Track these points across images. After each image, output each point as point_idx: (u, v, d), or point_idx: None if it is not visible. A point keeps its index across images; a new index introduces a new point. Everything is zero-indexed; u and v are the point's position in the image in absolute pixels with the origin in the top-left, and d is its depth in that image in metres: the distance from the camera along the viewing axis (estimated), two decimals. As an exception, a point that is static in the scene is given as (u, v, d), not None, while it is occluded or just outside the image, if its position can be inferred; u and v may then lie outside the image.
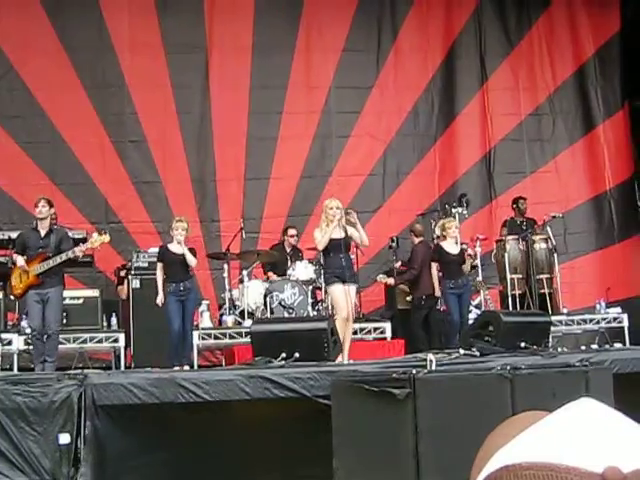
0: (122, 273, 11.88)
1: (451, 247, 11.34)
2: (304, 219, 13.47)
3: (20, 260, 9.97)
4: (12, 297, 10.71)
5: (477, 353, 8.20)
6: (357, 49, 14.87)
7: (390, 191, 14.76)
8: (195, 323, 11.22)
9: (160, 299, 10.46)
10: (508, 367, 6.33)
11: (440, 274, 11.48)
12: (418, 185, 14.79)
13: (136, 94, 14.06)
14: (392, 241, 13.05)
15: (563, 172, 15.33)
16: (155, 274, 10.79)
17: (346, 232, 9.96)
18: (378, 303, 13.69)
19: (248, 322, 11.22)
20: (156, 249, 11.25)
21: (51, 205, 10.21)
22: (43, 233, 10.07)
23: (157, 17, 14.23)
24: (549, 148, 15.41)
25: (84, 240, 10.91)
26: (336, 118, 14.75)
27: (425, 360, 7.24)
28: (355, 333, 11.64)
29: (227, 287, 11.90)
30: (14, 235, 10.90)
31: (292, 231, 12.95)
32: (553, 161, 15.36)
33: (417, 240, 12.71)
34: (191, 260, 10.54)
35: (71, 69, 13.82)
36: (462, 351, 8.27)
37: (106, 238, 10.24)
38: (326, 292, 11.10)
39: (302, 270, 11.92)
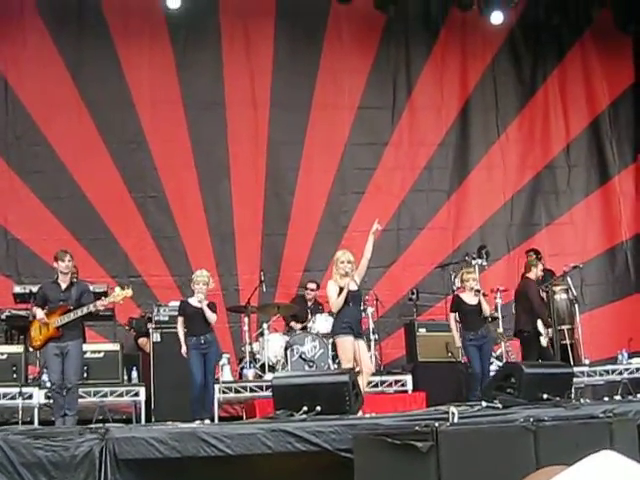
0: (148, 326, 11.86)
1: (470, 298, 11.30)
2: (320, 274, 13.51)
3: (40, 313, 10.04)
4: (31, 349, 10.75)
5: (499, 405, 8.14)
6: (372, 106, 15.05)
7: (404, 246, 14.88)
8: (216, 377, 11.22)
9: (184, 350, 10.49)
10: (531, 419, 6.29)
11: (460, 325, 11.44)
12: (433, 240, 14.90)
13: (156, 150, 14.25)
14: (412, 293, 13.17)
15: (579, 224, 15.42)
16: (176, 328, 10.83)
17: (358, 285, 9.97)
18: (395, 354, 13.71)
19: (269, 375, 11.23)
20: (176, 303, 11.34)
21: (72, 258, 10.31)
22: (64, 286, 10.14)
23: (176, 74, 14.45)
24: (565, 200, 15.50)
25: (105, 294, 11.01)
26: (351, 174, 14.91)
27: (447, 413, 7.20)
28: (376, 386, 11.82)
29: (248, 340, 11.98)
30: (35, 289, 10.98)
31: (312, 285, 13.15)
32: (569, 213, 15.45)
33: None
34: (210, 317, 10.59)
35: (92, 125, 14.01)
36: (484, 403, 8.22)
37: (129, 292, 10.29)
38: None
39: (322, 323, 12.02)
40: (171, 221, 14.16)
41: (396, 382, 12.12)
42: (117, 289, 10.38)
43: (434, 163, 15.21)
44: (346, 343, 9.76)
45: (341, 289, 9.79)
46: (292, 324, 12.42)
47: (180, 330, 10.67)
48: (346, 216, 14.78)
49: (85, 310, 9.93)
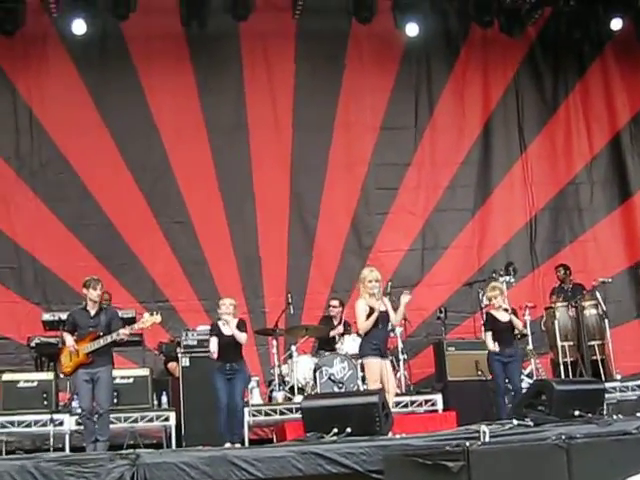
0: (177, 350, 11.87)
1: (502, 315, 11.20)
2: (346, 294, 13.48)
3: (69, 340, 10.09)
4: (62, 375, 10.81)
5: (531, 423, 8.08)
6: (395, 126, 15.09)
7: (429, 265, 14.88)
8: (245, 400, 11.20)
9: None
10: (563, 437, 6.25)
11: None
12: (457, 258, 14.91)
13: (180, 175, 14.33)
14: (440, 312, 13.15)
15: (602, 240, 15.33)
16: (205, 352, 10.86)
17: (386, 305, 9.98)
18: (423, 374, 13.63)
19: (298, 398, 11.26)
20: (205, 327, 11.37)
21: (103, 286, 10.39)
22: (93, 312, 10.19)
23: (199, 98, 14.53)
24: (588, 217, 15.45)
25: (133, 320, 11.08)
26: (375, 195, 14.95)
27: (478, 432, 7.15)
28: (406, 406, 11.82)
29: (276, 363, 11.99)
30: (64, 316, 11.03)
31: (334, 302, 13.11)
32: (592, 230, 15.39)
33: None
34: (241, 338, 10.54)
35: (116, 151, 14.13)
36: (515, 421, 8.17)
37: (157, 318, 10.32)
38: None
39: (351, 344, 11.97)
40: (197, 245, 14.22)
41: (426, 402, 12.07)
42: (146, 315, 10.41)
43: (457, 182, 15.21)
44: (374, 365, 9.80)
45: (371, 309, 9.79)
46: (339, 329, 12.50)
47: (213, 346, 10.56)
48: (370, 236, 14.83)
49: (115, 337, 9.98)
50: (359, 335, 10.94)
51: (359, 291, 10.09)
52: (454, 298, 14.40)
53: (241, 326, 10.74)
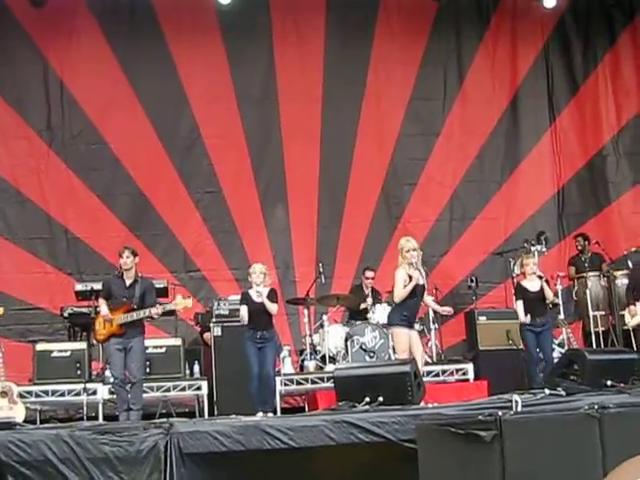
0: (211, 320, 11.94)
1: (532, 285, 11.21)
2: (374, 264, 13.51)
3: (104, 309, 10.21)
4: (95, 341, 10.95)
5: (563, 393, 8.04)
6: (424, 97, 15.07)
7: (457, 236, 14.93)
8: (277, 369, 11.24)
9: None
10: (595, 406, 6.22)
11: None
12: (485, 229, 14.92)
13: (211, 145, 14.37)
14: (471, 281, 13.17)
15: (626, 212, 15.27)
16: (237, 321, 10.95)
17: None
18: (452, 341, 13.63)
19: (330, 367, 11.32)
20: (236, 296, 11.34)
21: (135, 255, 10.42)
22: (128, 283, 10.27)
23: (229, 69, 14.53)
24: (613, 188, 15.39)
25: (165, 290, 11.22)
26: (404, 165, 14.93)
27: (510, 401, 7.13)
28: (437, 375, 11.87)
29: (308, 332, 12.04)
30: (97, 286, 11.15)
31: (369, 273, 13.08)
32: (617, 202, 15.34)
33: None
34: (271, 308, 10.54)
35: (147, 122, 14.17)
36: (548, 391, 8.14)
37: (189, 303, 10.48)
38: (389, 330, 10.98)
39: (382, 313, 11.96)
40: (228, 215, 14.28)
41: (457, 371, 12.11)
42: (178, 297, 10.56)
43: (485, 152, 15.18)
44: (402, 335, 9.88)
45: (410, 278, 9.81)
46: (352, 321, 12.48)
47: (244, 315, 10.59)
48: (399, 207, 14.87)
49: (147, 312, 10.08)
50: (389, 304, 11.08)
51: (391, 261, 10.19)
52: (481, 268, 14.40)
53: (272, 296, 10.70)
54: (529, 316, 11.06)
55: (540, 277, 11.19)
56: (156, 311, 10.19)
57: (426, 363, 11.42)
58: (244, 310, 10.59)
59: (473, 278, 13.31)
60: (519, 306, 11.18)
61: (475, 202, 15.07)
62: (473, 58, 15.33)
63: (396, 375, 8.39)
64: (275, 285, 11.57)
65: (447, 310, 10.90)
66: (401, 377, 8.34)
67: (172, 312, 11.21)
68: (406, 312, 9.88)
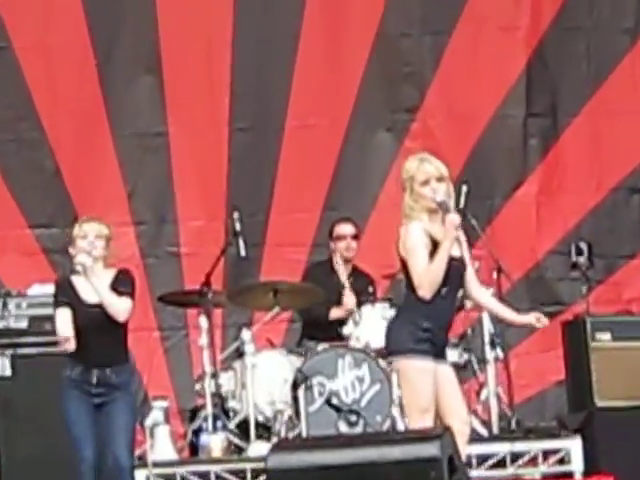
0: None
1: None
2: (358, 213, 7.81)
3: None
4: None
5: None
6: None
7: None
8: (137, 452, 6.22)
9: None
10: None
11: None
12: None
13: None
14: (577, 252, 7.33)
15: None
16: (46, 342, 6.82)
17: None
18: (534, 385, 7.96)
19: (257, 447, 6.65)
20: (44, 287, 6.78)
21: None
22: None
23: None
24: None
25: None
26: None
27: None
28: (502, 463, 6.88)
29: (209, 368, 6.82)
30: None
31: (345, 229, 7.29)
32: None
33: None
34: (118, 308, 5.98)
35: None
36: None
37: None
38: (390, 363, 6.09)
39: (374, 324, 6.80)
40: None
41: (546, 455, 6.88)
42: None
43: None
44: (419, 375, 5.28)
45: (434, 244, 5.06)
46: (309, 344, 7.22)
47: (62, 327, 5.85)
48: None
49: None
50: (392, 304, 6.83)
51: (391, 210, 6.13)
52: (596, 219, 8.30)
53: (122, 284, 5.88)
54: None
55: None
56: None
57: (476, 437, 6.79)
58: (64, 321, 5.92)
59: (582, 246, 7.14)
60: None
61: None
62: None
63: (408, 467, 4.43)
64: (132, 264, 6.71)
65: (536, 320, 5.58)
66: (420, 472, 4.42)
67: None
68: (426, 323, 5.19)
